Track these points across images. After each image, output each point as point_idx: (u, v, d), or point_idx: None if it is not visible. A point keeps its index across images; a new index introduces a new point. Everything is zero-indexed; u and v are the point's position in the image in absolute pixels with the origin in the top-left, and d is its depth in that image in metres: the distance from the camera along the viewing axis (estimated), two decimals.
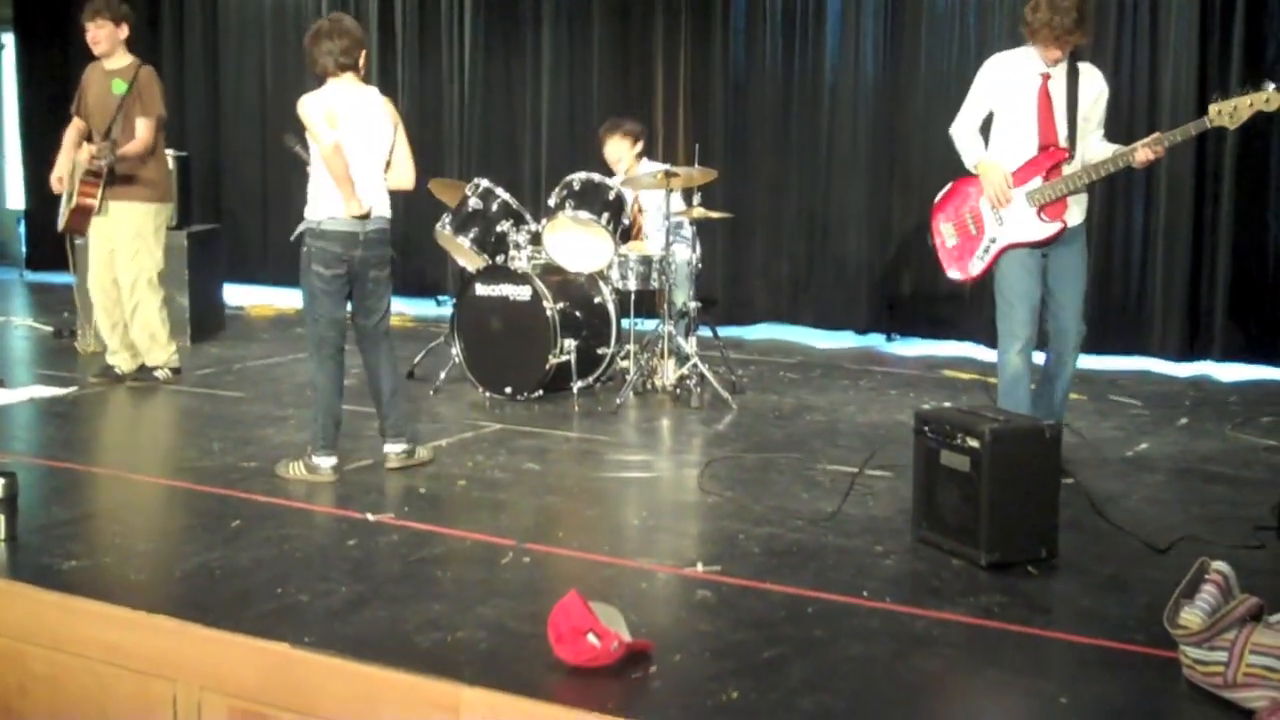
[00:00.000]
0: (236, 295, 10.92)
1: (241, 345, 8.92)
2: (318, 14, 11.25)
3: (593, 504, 5.28)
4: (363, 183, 5.42)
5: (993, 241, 5.44)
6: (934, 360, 8.60)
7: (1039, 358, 5.58)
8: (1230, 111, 5.11)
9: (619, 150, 7.82)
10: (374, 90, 5.58)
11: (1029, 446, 4.45)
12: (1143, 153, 5.22)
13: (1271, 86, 5.02)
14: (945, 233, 5.61)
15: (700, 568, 4.36)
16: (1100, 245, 8.08)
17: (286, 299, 11.05)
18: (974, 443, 4.41)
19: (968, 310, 8.86)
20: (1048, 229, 5.36)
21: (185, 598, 4.03)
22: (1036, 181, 5.35)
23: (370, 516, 4.92)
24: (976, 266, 5.51)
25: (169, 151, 8.92)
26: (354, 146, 5.40)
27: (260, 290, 11.52)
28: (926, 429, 4.65)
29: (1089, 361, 8.09)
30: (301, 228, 5.48)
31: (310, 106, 5.38)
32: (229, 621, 3.75)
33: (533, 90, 10.45)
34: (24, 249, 13.18)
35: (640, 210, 7.80)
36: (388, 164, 5.59)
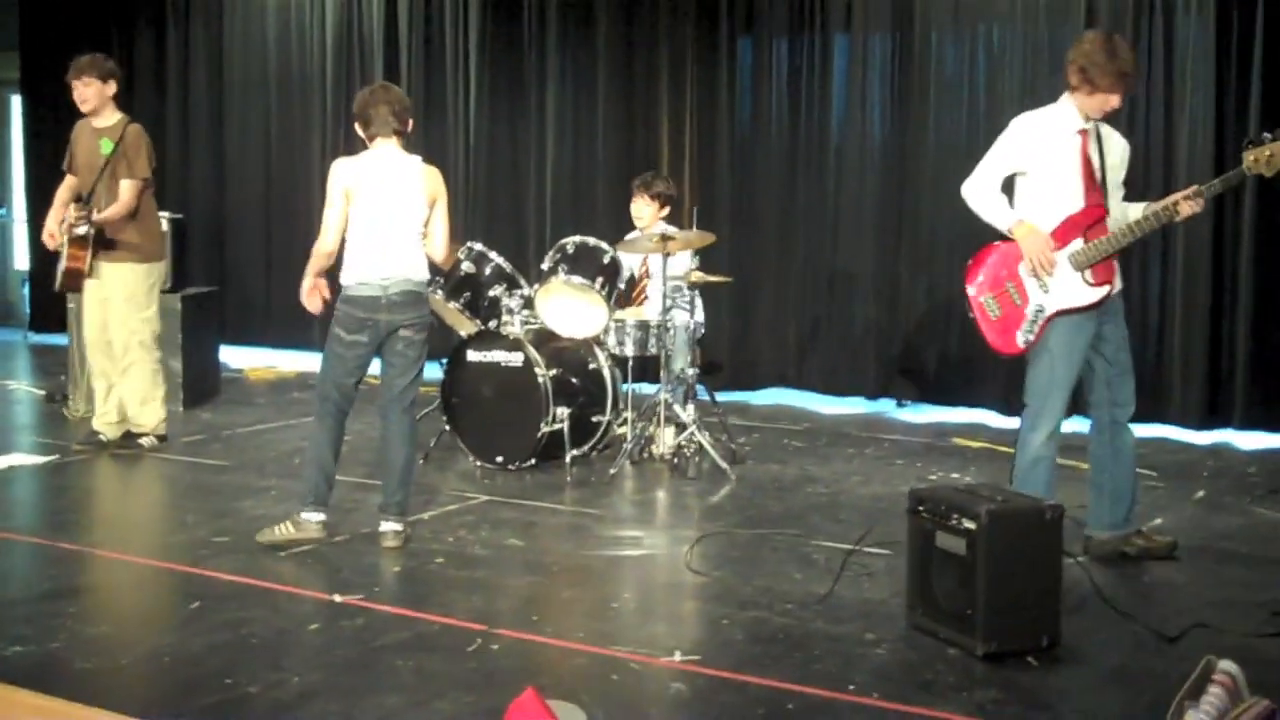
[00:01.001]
0: (237, 358, 10.77)
1: (234, 410, 8.72)
2: (322, 75, 11.18)
3: (574, 584, 5.03)
4: (389, 247, 5.40)
5: (1039, 310, 5.08)
6: (944, 428, 8.33)
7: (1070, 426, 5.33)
8: (1266, 158, 4.85)
9: (644, 210, 7.55)
10: (417, 159, 5.57)
11: (1029, 528, 4.19)
12: (1185, 205, 4.97)
13: None
14: (986, 305, 5.20)
15: (678, 657, 4.11)
16: None
17: (289, 361, 10.89)
18: (970, 524, 4.15)
19: (980, 376, 8.61)
20: (1096, 293, 5.04)
21: (127, 689, 3.82)
22: (1078, 243, 5.04)
23: (337, 598, 4.69)
24: (1024, 339, 5.12)
25: (163, 214, 8.84)
26: (381, 213, 5.40)
27: (262, 353, 11.36)
28: (921, 508, 4.40)
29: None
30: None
31: (335, 175, 5.42)
32: (168, 717, 3.52)
33: (537, 150, 10.29)
34: (28, 310, 13.06)
35: (647, 274, 7.59)
36: (424, 230, 5.56)
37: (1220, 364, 8.02)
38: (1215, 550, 5.47)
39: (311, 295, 5.47)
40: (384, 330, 5.39)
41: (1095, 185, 5.09)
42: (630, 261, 7.50)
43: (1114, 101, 5.02)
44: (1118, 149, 5.23)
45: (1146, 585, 4.98)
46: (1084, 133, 5.09)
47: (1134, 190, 5.47)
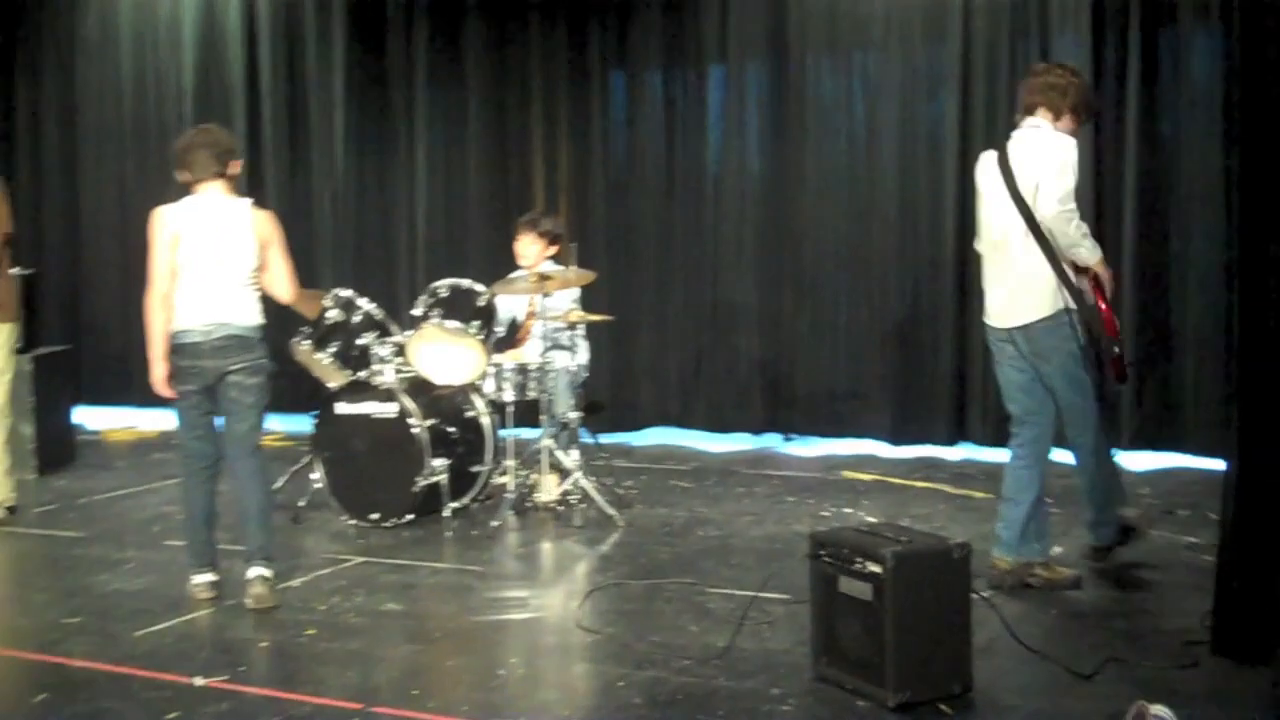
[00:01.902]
0: (96, 419, 10.22)
1: (92, 476, 8.22)
2: (179, 124, 10.67)
3: (457, 651, 4.71)
4: (213, 294, 5.29)
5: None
6: (833, 460, 8.15)
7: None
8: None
9: (530, 249, 7.24)
10: (245, 203, 5.45)
11: (936, 569, 3.99)
12: None
13: None
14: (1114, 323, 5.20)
15: None
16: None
17: (150, 420, 10.36)
18: (875, 567, 3.93)
19: (867, 406, 8.47)
20: None
21: None
22: None
23: (198, 681, 4.31)
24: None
25: (13, 271, 8.35)
26: (205, 259, 5.29)
27: (123, 412, 10.80)
28: (823, 553, 4.17)
29: (987, 454, 7.76)
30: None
31: (158, 224, 5.32)
32: None
33: (407, 190, 9.94)
34: None
35: (533, 315, 7.28)
36: (256, 275, 5.42)
37: (1105, 384, 7.94)
38: (1117, 577, 5.32)
39: (167, 383, 5.33)
40: (211, 377, 5.26)
41: None
42: (515, 303, 7.21)
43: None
44: None
45: (1053, 618, 4.80)
46: None
47: None
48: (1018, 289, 5.09)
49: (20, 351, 8.17)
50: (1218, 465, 5.11)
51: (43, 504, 7.34)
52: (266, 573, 5.23)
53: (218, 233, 5.31)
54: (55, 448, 8.47)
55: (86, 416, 9.91)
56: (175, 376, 5.28)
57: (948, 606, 3.98)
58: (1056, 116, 5.13)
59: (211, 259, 5.28)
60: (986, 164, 5.22)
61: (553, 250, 7.28)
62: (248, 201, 5.44)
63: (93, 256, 11.29)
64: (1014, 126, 5.26)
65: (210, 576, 5.30)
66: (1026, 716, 3.87)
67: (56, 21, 11.12)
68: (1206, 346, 7.55)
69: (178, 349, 5.27)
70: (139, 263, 11.51)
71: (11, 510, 6.93)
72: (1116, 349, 5.15)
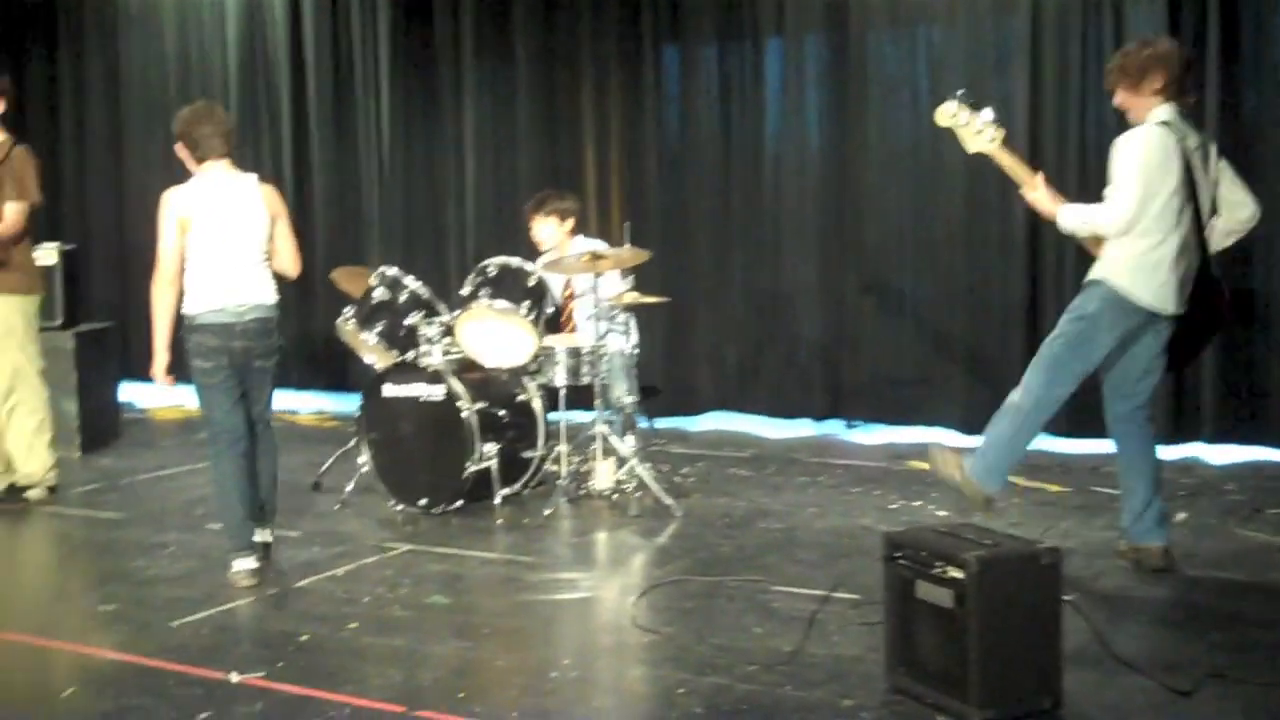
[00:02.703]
0: (143, 396, 10.05)
1: (136, 455, 8.04)
2: (225, 98, 10.47)
3: (506, 649, 4.45)
4: (238, 273, 5.25)
5: None
6: (898, 449, 7.80)
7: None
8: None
9: (547, 231, 7.06)
10: (252, 178, 5.42)
11: (1024, 575, 3.69)
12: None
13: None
14: None
15: None
16: None
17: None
18: (957, 573, 3.63)
19: (935, 392, 8.12)
20: None
21: None
22: None
23: (234, 677, 4.08)
24: None
25: (52, 244, 8.19)
26: (220, 238, 5.23)
27: (172, 389, 10.62)
28: (899, 555, 3.88)
29: (1065, 445, 7.41)
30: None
31: (168, 207, 5.22)
32: None
33: (455, 168, 9.68)
34: None
35: (573, 296, 7.04)
36: (268, 251, 5.41)
37: (1185, 374, 7.58)
38: (1212, 581, 4.98)
39: (168, 375, 5.33)
40: (238, 359, 5.24)
41: None
42: (554, 284, 6.96)
43: None
44: None
45: (1145, 627, 4.49)
46: None
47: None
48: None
49: (62, 328, 8.05)
50: None
51: (85, 483, 7.18)
52: (270, 538, 5.39)
53: (233, 211, 5.25)
54: (99, 426, 8.33)
55: (134, 394, 9.74)
56: (204, 357, 5.21)
57: (1036, 616, 3.67)
58: (1153, 94, 5.00)
59: (230, 238, 5.23)
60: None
61: (568, 225, 7.03)
62: (254, 177, 5.40)
63: (138, 231, 11.08)
64: (1191, 108, 5.10)
65: (251, 562, 5.19)
66: None
67: None
68: None
69: (208, 329, 5.20)
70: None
71: (53, 490, 6.77)
72: None
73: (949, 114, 5.08)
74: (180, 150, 5.32)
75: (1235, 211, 5.06)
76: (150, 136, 10.95)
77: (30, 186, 6.55)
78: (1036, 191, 5.01)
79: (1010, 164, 5.05)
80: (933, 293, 8.20)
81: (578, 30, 9.19)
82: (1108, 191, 4.88)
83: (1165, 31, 7.28)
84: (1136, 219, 4.81)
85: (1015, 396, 5.00)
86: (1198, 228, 4.93)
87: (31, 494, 6.68)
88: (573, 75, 9.25)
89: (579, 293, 6.97)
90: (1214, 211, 5.03)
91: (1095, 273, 4.96)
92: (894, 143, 8.31)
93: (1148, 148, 4.83)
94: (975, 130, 5.05)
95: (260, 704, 3.87)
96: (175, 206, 5.19)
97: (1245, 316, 7.33)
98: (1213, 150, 5.05)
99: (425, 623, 4.66)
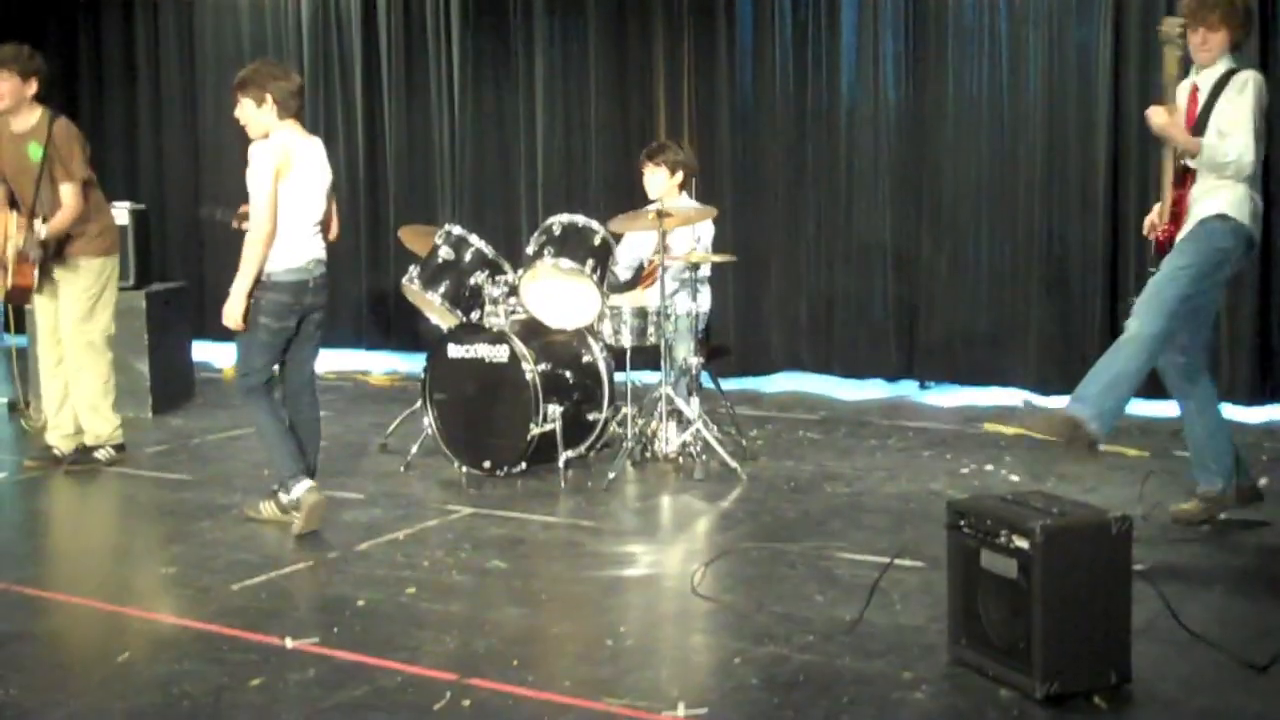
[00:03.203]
0: (218, 355, 10.11)
1: (208, 415, 8.08)
2: (299, 57, 10.47)
3: (564, 617, 4.40)
4: (308, 231, 5.35)
5: None
6: (972, 411, 7.63)
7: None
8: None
9: (656, 181, 6.77)
10: (319, 141, 5.54)
11: (1092, 545, 3.55)
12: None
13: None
14: None
15: (681, 711, 3.48)
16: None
17: None
18: (1023, 542, 3.51)
19: (1011, 354, 7.93)
20: None
21: None
22: None
23: (289, 642, 4.06)
24: None
25: (124, 204, 8.22)
26: (302, 196, 5.31)
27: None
28: (963, 524, 3.76)
29: (1146, 408, 7.17)
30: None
31: (263, 157, 5.20)
32: None
33: (526, 125, 9.60)
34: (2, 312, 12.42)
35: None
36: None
37: (1271, 335, 7.34)
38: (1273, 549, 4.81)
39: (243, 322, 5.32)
40: (303, 314, 5.38)
41: None
42: (643, 244, 6.83)
43: None
44: None
45: (1220, 599, 4.33)
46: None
47: None
48: None
49: (134, 288, 8.09)
50: None
51: (155, 444, 7.21)
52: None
53: (314, 169, 5.37)
54: (171, 385, 8.37)
55: (209, 353, 9.79)
56: (276, 316, 5.29)
57: (1104, 588, 3.53)
58: (1229, 40, 4.97)
59: (309, 197, 5.33)
60: None
61: (677, 178, 6.83)
62: (319, 139, 5.54)
63: (213, 191, 11.15)
64: None
65: (309, 482, 5.31)
66: (1193, 715, 3.43)
67: None
68: None
69: (282, 287, 5.27)
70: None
71: (120, 449, 6.79)
72: None
73: (1178, 26, 4.84)
74: (250, 106, 5.27)
75: None
76: (224, 97, 10.94)
77: (75, 166, 6.43)
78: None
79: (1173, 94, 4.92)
80: (1010, 249, 8.00)
81: None
82: (1220, 130, 4.76)
83: None
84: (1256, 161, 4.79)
85: (1133, 328, 4.80)
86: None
87: (100, 454, 6.72)
88: (644, 29, 9.12)
89: (675, 252, 6.79)
90: None
91: (1215, 208, 4.81)
92: (972, 96, 8.09)
93: (1262, 91, 4.80)
94: (1178, 54, 4.86)
95: (312, 670, 3.84)
96: (271, 157, 5.19)
97: None
98: None
99: (483, 588, 4.62)
